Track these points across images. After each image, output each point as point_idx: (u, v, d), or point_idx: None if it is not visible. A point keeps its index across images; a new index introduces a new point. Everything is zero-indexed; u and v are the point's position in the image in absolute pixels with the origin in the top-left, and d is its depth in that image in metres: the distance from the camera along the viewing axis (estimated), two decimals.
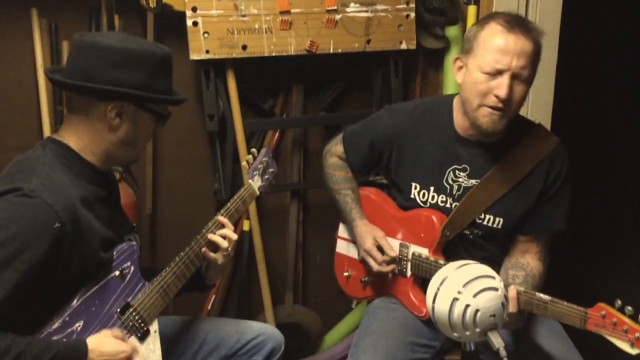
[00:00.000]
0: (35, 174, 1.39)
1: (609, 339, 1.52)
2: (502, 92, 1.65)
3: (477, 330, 1.37)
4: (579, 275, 3.16)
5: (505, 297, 1.40)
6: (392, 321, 1.89)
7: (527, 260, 1.85)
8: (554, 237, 1.91)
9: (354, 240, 2.07)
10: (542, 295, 1.63)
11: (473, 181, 1.85)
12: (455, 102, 1.89)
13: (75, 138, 1.51)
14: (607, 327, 1.51)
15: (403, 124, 1.94)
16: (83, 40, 1.49)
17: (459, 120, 1.85)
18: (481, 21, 1.77)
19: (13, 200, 1.34)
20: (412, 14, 2.52)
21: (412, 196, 1.93)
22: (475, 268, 1.42)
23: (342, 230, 2.18)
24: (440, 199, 1.88)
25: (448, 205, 1.87)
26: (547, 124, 2.49)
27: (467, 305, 1.35)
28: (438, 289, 1.39)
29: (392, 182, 2.04)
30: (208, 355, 1.86)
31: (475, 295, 1.36)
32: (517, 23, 1.69)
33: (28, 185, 1.36)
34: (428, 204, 1.90)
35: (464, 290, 1.36)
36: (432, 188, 1.89)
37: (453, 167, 1.86)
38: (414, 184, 1.92)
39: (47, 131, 2.29)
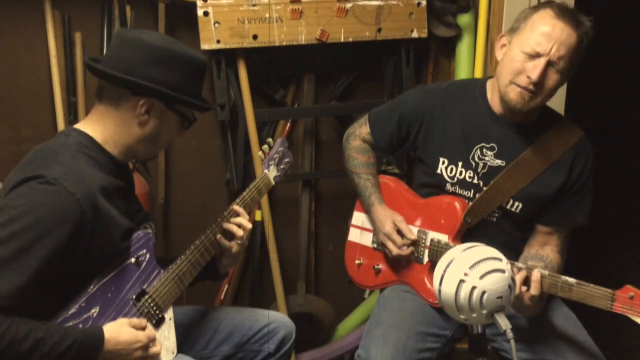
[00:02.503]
0: (57, 162, 1.44)
1: (635, 319, 1.58)
2: (535, 74, 1.71)
3: (484, 312, 1.40)
4: (600, 267, 3.20)
5: (512, 279, 1.43)
6: (402, 311, 1.93)
7: (546, 252, 1.88)
8: (575, 231, 1.94)
9: (369, 227, 2.11)
10: (567, 278, 1.67)
11: (499, 161, 1.88)
12: (489, 83, 1.94)
13: (100, 128, 1.57)
14: (635, 308, 1.56)
15: (434, 99, 1.99)
16: (128, 34, 1.56)
17: (493, 99, 1.90)
18: (537, 5, 1.82)
19: (35, 187, 1.39)
20: (424, 2, 2.55)
21: (438, 171, 1.96)
22: (482, 250, 1.44)
23: (355, 219, 2.20)
24: (467, 174, 1.92)
25: (475, 181, 1.91)
26: None
27: (474, 287, 1.38)
28: (445, 271, 1.42)
29: (418, 159, 2.08)
30: (221, 343, 1.91)
31: (481, 277, 1.39)
32: (569, 13, 1.73)
33: (50, 172, 1.40)
34: (455, 179, 1.94)
35: (470, 272, 1.39)
36: (460, 163, 1.93)
37: (481, 144, 1.90)
38: (441, 159, 1.95)
39: (60, 122, 2.36)
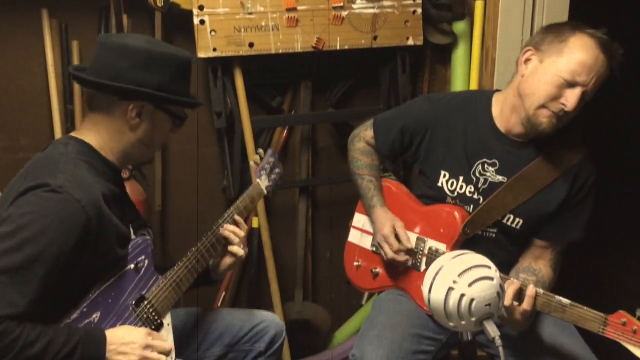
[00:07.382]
0: (59, 170, 1.51)
1: (626, 346, 1.61)
2: (571, 104, 1.75)
3: (473, 319, 1.45)
4: (596, 281, 3.26)
5: (501, 286, 1.48)
6: (397, 313, 1.99)
7: (539, 266, 1.94)
8: (569, 246, 1.99)
9: (369, 229, 2.15)
10: (561, 298, 1.70)
11: (500, 177, 1.92)
12: (496, 97, 1.98)
13: (95, 136, 1.64)
14: (627, 335, 1.59)
15: (438, 111, 2.02)
16: (110, 40, 1.63)
17: (500, 115, 1.94)
18: (569, 26, 1.82)
19: (41, 195, 1.45)
20: (419, 10, 2.63)
21: (439, 184, 2.00)
22: (471, 257, 1.50)
23: (356, 220, 2.25)
24: (468, 189, 1.96)
25: (475, 196, 1.95)
26: None
27: (462, 295, 1.43)
28: (434, 278, 1.47)
29: (418, 170, 2.12)
30: (212, 344, 1.99)
31: (470, 285, 1.44)
32: (607, 44, 1.76)
33: (55, 180, 1.47)
34: (455, 193, 1.98)
35: (459, 279, 1.44)
36: (461, 178, 1.97)
37: (483, 160, 1.94)
38: (442, 172, 2.00)
39: (57, 130, 2.44)
